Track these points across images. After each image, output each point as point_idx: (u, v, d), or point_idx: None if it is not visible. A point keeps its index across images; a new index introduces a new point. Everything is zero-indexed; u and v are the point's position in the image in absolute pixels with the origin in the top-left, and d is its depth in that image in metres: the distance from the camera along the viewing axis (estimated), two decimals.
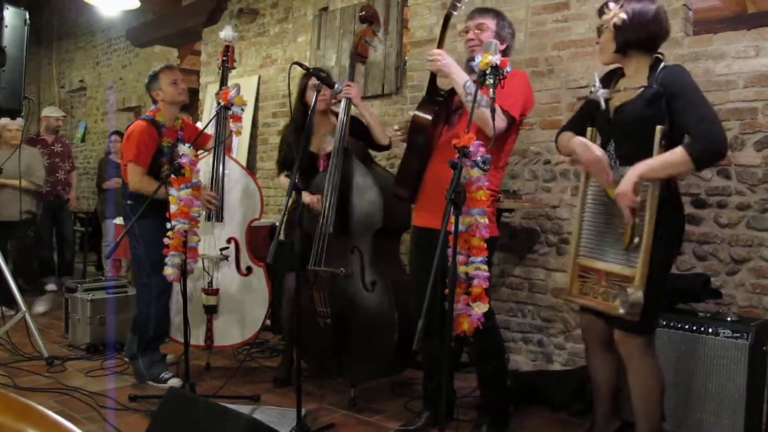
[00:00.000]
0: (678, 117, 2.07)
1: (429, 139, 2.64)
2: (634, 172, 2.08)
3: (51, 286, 5.97)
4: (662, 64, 2.16)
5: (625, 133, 2.21)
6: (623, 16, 2.15)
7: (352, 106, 3.10)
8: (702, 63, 3.01)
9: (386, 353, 2.89)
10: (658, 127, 2.08)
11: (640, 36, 2.16)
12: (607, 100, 2.25)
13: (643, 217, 2.12)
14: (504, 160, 2.70)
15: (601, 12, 2.25)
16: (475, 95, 2.16)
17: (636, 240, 2.13)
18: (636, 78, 2.20)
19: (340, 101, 3.14)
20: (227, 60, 3.58)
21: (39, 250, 5.97)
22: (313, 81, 3.16)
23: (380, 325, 2.90)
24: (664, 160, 2.06)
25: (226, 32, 3.61)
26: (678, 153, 2.03)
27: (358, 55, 3.18)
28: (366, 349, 2.96)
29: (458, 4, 2.54)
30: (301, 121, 3.26)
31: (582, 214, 2.36)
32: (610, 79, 2.33)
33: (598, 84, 2.26)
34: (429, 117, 2.62)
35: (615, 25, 2.17)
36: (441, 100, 2.68)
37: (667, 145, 2.08)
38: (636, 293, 2.08)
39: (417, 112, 2.65)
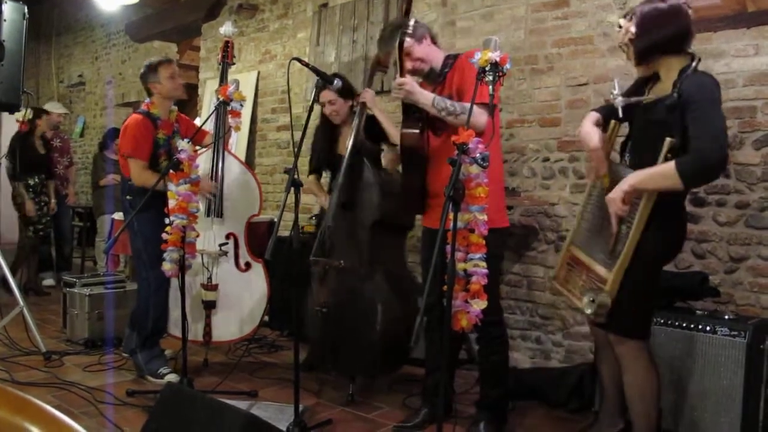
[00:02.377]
0: (689, 129, 2.00)
1: (421, 151, 2.69)
2: (626, 182, 2.06)
3: (49, 281, 5.99)
4: (690, 70, 2.07)
5: (640, 136, 2.20)
6: (633, 29, 2.12)
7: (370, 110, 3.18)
8: (701, 61, 3.00)
9: (374, 344, 2.97)
10: (668, 140, 2.02)
11: (655, 41, 2.09)
12: (626, 106, 2.18)
13: (630, 227, 2.09)
14: (496, 142, 2.71)
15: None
16: (457, 107, 2.31)
17: (619, 248, 2.12)
18: (667, 83, 2.12)
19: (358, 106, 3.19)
20: (227, 56, 3.57)
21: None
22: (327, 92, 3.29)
23: (367, 317, 2.99)
24: (654, 171, 2.02)
25: (226, 28, 3.59)
26: (667, 167, 1.98)
27: (379, 64, 3.14)
28: (358, 340, 3.03)
29: (408, 31, 2.55)
30: (323, 125, 3.48)
31: (586, 207, 2.40)
32: (646, 83, 2.26)
33: (616, 90, 2.18)
34: (416, 131, 2.67)
35: (630, 40, 2.14)
36: (419, 114, 2.71)
37: (675, 158, 2.00)
38: (603, 296, 2.10)
39: (404, 131, 2.70)
